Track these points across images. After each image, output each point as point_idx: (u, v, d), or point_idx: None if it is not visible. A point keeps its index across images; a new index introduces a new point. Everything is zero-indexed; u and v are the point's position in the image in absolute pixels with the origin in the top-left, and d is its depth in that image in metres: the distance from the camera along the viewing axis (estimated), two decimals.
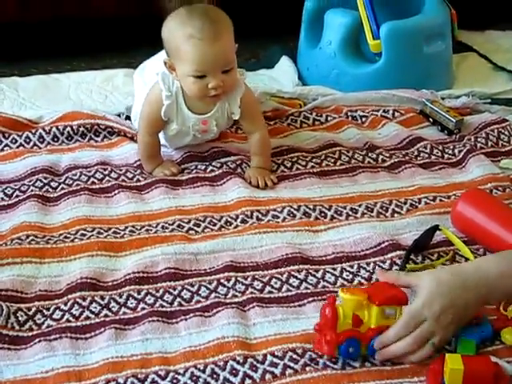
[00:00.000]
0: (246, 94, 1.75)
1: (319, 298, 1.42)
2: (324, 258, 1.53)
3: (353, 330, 1.27)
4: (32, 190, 1.71)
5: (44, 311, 1.40)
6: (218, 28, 1.63)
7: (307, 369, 1.27)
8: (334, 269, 1.51)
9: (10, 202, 1.69)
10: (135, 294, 1.43)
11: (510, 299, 1.36)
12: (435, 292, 1.27)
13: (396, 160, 1.86)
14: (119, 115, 2.01)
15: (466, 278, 1.29)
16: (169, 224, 1.62)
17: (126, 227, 1.61)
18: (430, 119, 2.04)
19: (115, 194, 1.72)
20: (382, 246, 1.55)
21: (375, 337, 1.27)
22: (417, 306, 1.27)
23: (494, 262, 1.34)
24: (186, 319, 1.38)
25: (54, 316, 1.38)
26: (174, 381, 1.26)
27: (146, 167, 1.80)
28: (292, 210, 1.66)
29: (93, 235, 1.57)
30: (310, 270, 1.49)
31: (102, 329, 1.35)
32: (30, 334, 1.35)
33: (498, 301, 1.36)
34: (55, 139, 1.91)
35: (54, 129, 1.92)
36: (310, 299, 1.42)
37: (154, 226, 1.62)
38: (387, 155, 1.88)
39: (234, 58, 1.68)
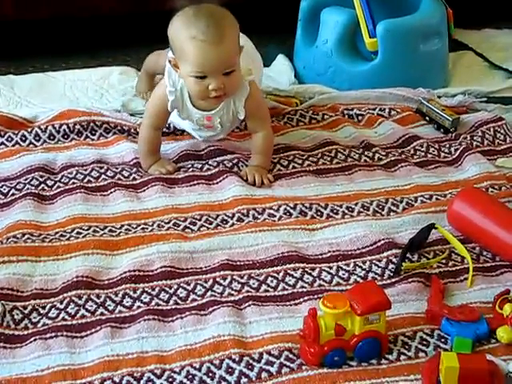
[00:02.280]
0: (252, 94, 1.74)
1: (315, 296, 1.42)
2: (320, 257, 1.53)
3: (336, 340, 1.27)
4: (28, 189, 1.71)
5: (40, 310, 1.40)
6: (221, 30, 1.63)
7: (303, 367, 1.27)
8: (330, 267, 1.51)
9: (5, 201, 1.69)
10: (131, 293, 1.43)
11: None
12: None
13: (392, 158, 1.86)
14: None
15: None
16: (165, 222, 1.62)
17: (122, 226, 1.61)
18: (427, 118, 2.04)
19: (111, 193, 1.71)
20: (378, 244, 1.55)
21: (360, 342, 1.27)
22: None
23: None
24: (181, 318, 1.38)
25: (50, 314, 1.38)
26: (170, 379, 1.26)
27: (143, 163, 1.80)
28: (288, 208, 1.66)
29: (89, 234, 1.57)
30: (306, 269, 1.49)
31: (98, 327, 1.35)
32: (26, 332, 1.35)
33: None
34: (51, 137, 1.91)
35: (50, 127, 1.92)
36: (306, 298, 1.42)
37: (150, 224, 1.61)
38: (383, 154, 1.88)
39: (237, 60, 1.67)
